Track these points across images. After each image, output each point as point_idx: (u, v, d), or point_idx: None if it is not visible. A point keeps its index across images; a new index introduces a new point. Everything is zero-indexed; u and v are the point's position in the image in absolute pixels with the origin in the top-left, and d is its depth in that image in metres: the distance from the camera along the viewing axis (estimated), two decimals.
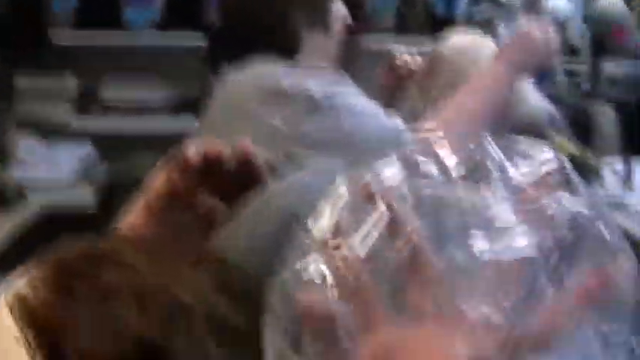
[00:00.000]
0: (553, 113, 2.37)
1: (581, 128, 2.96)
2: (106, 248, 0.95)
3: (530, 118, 2.21)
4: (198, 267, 0.94)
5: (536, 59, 2.07)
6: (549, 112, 2.32)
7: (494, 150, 0.68)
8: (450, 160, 0.69)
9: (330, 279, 0.64)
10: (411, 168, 0.69)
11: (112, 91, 3.70)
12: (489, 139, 0.68)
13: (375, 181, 0.67)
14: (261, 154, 1.17)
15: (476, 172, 0.68)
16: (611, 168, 2.81)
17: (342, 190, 0.68)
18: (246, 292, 0.72)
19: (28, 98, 3.65)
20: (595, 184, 2.68)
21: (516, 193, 0.66)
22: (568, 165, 0.67)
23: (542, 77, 3.31)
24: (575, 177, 0.66)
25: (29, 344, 0.88)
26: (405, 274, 0.67)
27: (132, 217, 1.16)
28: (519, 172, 0.67)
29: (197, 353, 0.85)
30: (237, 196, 1.13)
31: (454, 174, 0.69)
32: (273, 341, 0.66)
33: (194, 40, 2.96)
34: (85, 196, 2.92)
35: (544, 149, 0.68)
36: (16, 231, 2.82)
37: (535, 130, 2.19)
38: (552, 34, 2.06)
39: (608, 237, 0.65)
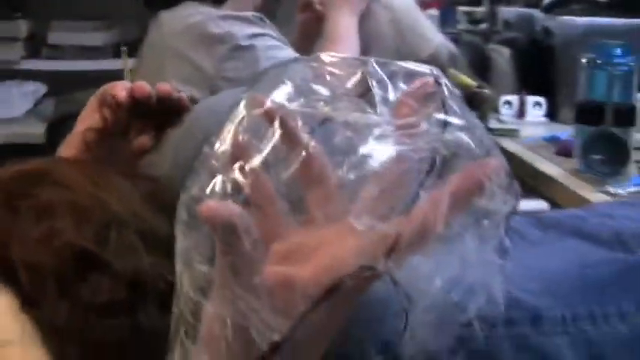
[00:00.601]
0: (453, 51, 2.38)
1: (480, 66, 2.98)
2: (45, 168, 0.95)
3: (432, 55, 2.23)
4: (129, 184, 0.95)
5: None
6: (450, 51, 2.33)
7: (377, 72, 0.68)
8: (338, 81, 0.69)
9: (232, 192, 0.63)
10: (303, 89, 0.68)
11: (59, 35, 3.65)
12: (373, 62, 0.68)
13: (270, 101, 0.67)
14: (185, 91, 1.22)
15: (361, 92, 0.68)
16: (506, 101, 2.83)
17: (242, 110, 0.68)
18: (172, 206, 0.72)
19: None
20: (491, 114, 2.71)
21: (395, 109, 0.66)
22: (446, 86, 0.67)
23: (445, 19, 3.32)
24: (452, 95, 0.66)
25: None
26: (301, 185, 0.67)
27: (69, 148, 1.17)
28: (399, 92, 0.66)
29: (129, 260, 0.85)
30: (161, 128, 1.17)
31: (341, 93, 0.69)
32: (182, 253, 0.66)
33: None
34: (35, 130, 2.89)
35: (425, 71, 0.68)
36: None
37: (436, 66, 2.20)
38: None
39: (479, 147, 0.65)
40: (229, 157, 0.65)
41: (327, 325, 0.65)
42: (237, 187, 0.63)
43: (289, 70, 0.71)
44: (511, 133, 2.65)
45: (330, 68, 0.70)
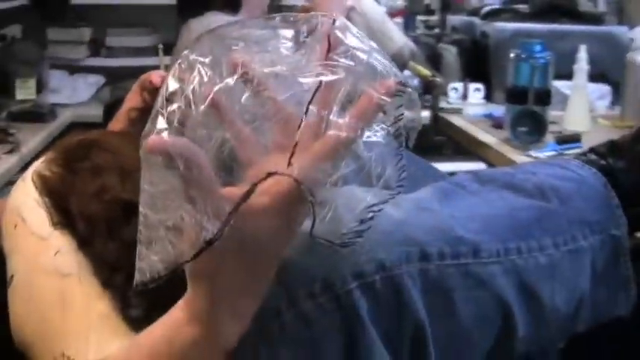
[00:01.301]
0: (414, 49, 2.36)
1: (434, 61, 2.96)
2: (99, 139, 0.93)
3: (397, 52, 2.20)
4: None
5: None
6: (411, 49, 2.31)
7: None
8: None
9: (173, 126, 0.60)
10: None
11: (114, 39, 3.62)
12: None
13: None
14: None
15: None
16: (453, 87, 2.81)
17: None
18: None
19: (56, 44, 3.55)
20: (442, 97, 2.69)
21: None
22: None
23: (407, 25, 3.30)
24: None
25: (45, 205, 0.86)
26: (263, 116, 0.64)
27: (117, 123, 1.16)
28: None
29: None
30: None
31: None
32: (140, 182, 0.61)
33: (168, 0, 2.87)
34: (96, 112, 2.87)
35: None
36: (50, 138, 2.78)
37: (400, 60, 2.18)
38: None
39: (380, 67, 0.61)
40: (172, 101, 0.62)
41: (278, 231, 0.62)
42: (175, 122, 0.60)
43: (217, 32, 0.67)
44: (457, 111, 2.64)
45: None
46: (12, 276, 0.83)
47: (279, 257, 0.65)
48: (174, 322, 0.65)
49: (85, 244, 0.82)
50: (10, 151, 2.39)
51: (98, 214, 0.84)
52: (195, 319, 0.63)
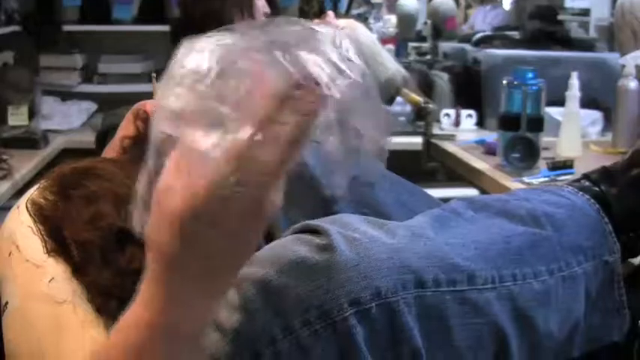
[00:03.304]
0: (406, 76, 2.37)
1: (426, 87, 2.98)
2: (93, 166, 0.93)
3: (390, 78, 2.21)
4: None
5: None
6: (403, 75, 2.32)
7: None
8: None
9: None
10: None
11: (107, 65, 3.62)
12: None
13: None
14: None
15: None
16: (446, 113, 2.83)
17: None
18: None
19: (48, 71, 3.56)
20: (435, 124, 2.70)
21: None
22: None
23: (399, 51, 3.32)
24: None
25: (40, 233, 0.86)
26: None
27: (111, 151, 1.16)
28: None
29: None
30: None
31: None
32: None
33: (161, 27, 2.89)
34: (89, 138, 2.87)
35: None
36: (42, 164, 2.78)
37: (392, 87, 2.19)
38: None
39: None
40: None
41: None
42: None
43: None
44: (450, 138, 2.64)
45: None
46: (6, 303, 0.83)
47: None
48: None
49: (79, 271, 0.82)
50: (3, 177, 2.39)
51: (93, 242, 0.84)
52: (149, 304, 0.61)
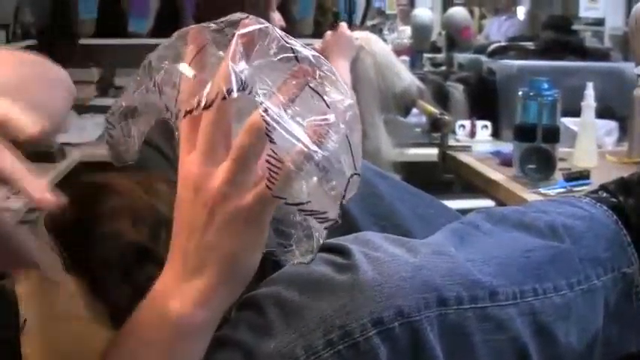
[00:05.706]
0: (421, 87, 2.37)
1: (441, 98, 2.97)
2: (109, 182, 0.93)
3: (404, 90, 2.21)
4: (170, 189, 0.93)
5: None
6: (418, 86, 2.32)
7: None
8: None
9: None
10: None
11: (122, 79, 3.65)
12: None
13: None
14: None
15: None
16: (461, 125, 2.82)
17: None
18: None
19: None
20: (450, 135, 2.69)
21: None
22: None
23: (414, 63, 3.32)
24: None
25: (58, 250, 0.86)
26: None
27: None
28: None
29: None
30: None
31: None
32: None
33: None
34: (104, 151, 2.88)
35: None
36: (59, 177, 2.79)
37: (407, 98, 2.19)
38: None
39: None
40: None
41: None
42: None
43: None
44: (465, 149, 2.64)
45: None
46: (25, 320, 0.83)
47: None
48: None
49: (98, 288, 0.82)
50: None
51: (111, 259, 0.84)
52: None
